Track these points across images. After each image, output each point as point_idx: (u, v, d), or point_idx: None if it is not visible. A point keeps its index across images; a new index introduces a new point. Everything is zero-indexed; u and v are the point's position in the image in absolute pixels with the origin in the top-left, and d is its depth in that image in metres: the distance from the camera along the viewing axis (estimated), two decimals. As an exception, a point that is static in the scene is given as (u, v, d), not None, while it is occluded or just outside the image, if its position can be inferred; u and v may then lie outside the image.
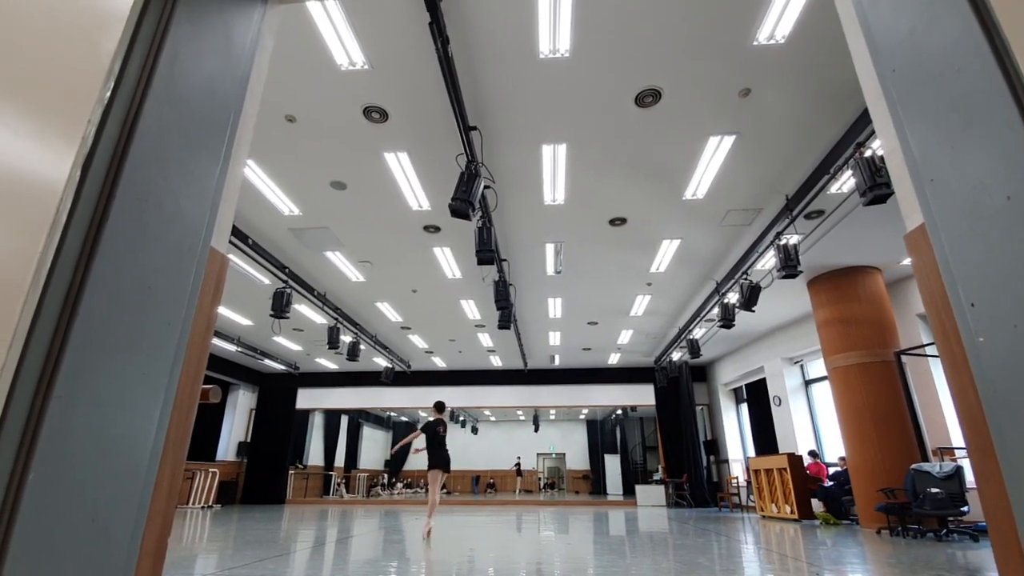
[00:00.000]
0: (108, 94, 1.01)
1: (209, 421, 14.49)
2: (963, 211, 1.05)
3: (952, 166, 1.07)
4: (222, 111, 1.27)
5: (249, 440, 15.38)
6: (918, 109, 1.15)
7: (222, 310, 10.36)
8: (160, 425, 1.08)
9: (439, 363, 15.21)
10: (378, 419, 24.55)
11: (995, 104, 0.98)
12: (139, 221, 1.03)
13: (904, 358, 7.47)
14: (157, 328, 1.06)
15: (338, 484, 19.51)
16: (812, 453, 9.80)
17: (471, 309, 10.42)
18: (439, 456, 6.46)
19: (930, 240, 1.13)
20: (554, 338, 12.46)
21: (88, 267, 0.92)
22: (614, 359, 14.69)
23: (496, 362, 15.11)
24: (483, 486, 24.07)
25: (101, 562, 0.97)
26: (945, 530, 6.23)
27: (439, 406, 6.87)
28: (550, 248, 7.61)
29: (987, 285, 1.00)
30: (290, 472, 15.84)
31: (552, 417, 25.36)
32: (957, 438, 7.33)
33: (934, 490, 6.09)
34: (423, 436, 6.65)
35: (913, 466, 6.48)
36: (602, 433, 24.80)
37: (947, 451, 7.19)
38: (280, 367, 14.62)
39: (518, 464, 23.84)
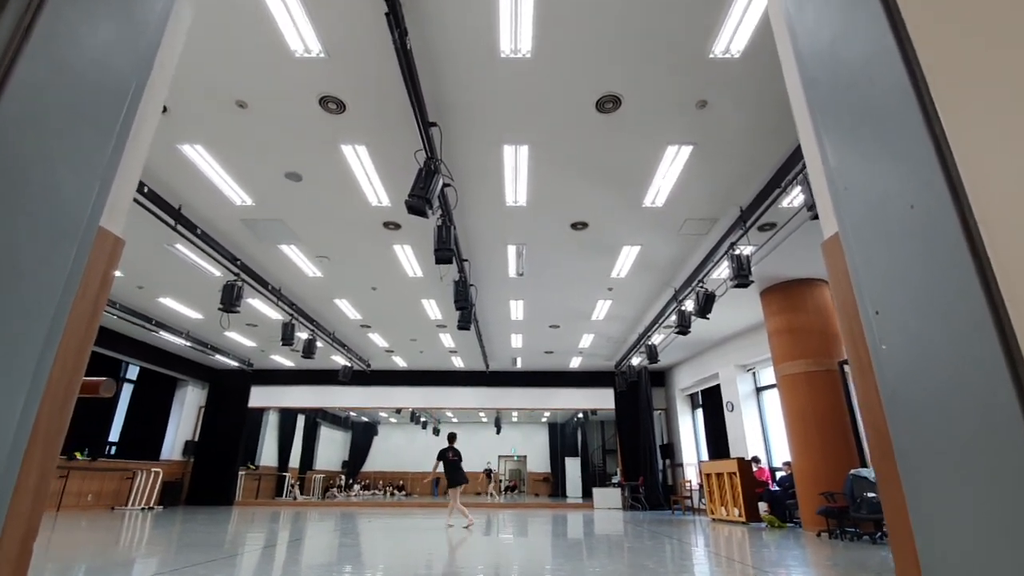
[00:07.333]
0: (-29, 51, 0.91)
1: (154, 419, 13.84)
2: (871, 219, 1.05)
3: (863, 174, 1.08)
4: (119, 82, 1.17)
5: (197, 439, 14.75)
6: (834, 117, 1.16)
7: (169, 302, 9.90)
8: (25, 417, 0.98)
9: (400, 363, 14.98)
10: (336, 419, 23.98)
11: (902, 113, 0.99)
12: (1, 192, 0.93)
13: (846, 368, 7.76)
14: (21, 311, 0.96)
15: (292, 485, 18.95)
16: (755, 459, 10.10)
17: (432, 309, 10.29)
18: (449, 475, 8.73)
19: (842, 248, 1.14)
20: (516, 340, 12.45)
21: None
22: (576, 363, 14.79)
23: (458, 363, 14.98)
24: (443, 488, 23.82)
25: (-60, 571, 0.87)
26: (880, 533, 6.49)
27: (450, 437, 8.95)
28: (512, 250, 7.59)
29: (890, 293, 1.01)
30: (240, 473, 15.28)
31: (514, 419, 25.33)
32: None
33: (870, 495, 6.33)
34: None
35: (852, 471, 6.73)
36: (563, 436, 24.92)
37: (884, 458, 7.50)
38: (232, 363, 14.11)
39: (488, 470, 23.23)
